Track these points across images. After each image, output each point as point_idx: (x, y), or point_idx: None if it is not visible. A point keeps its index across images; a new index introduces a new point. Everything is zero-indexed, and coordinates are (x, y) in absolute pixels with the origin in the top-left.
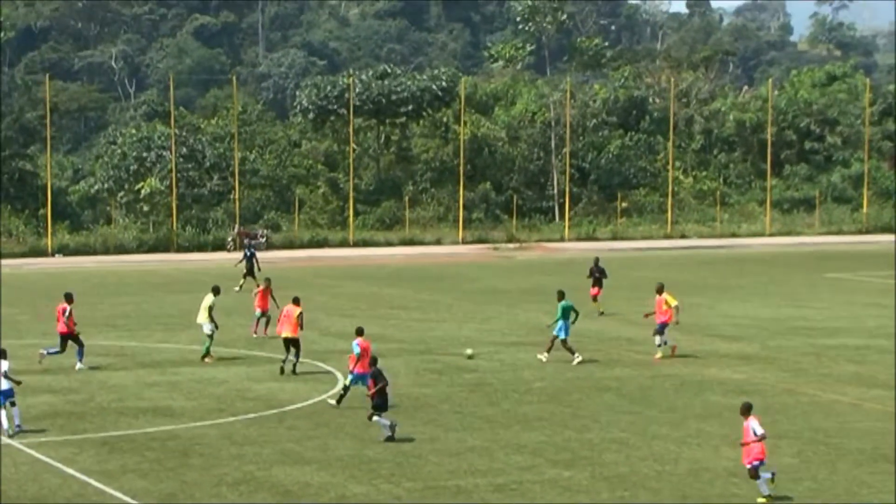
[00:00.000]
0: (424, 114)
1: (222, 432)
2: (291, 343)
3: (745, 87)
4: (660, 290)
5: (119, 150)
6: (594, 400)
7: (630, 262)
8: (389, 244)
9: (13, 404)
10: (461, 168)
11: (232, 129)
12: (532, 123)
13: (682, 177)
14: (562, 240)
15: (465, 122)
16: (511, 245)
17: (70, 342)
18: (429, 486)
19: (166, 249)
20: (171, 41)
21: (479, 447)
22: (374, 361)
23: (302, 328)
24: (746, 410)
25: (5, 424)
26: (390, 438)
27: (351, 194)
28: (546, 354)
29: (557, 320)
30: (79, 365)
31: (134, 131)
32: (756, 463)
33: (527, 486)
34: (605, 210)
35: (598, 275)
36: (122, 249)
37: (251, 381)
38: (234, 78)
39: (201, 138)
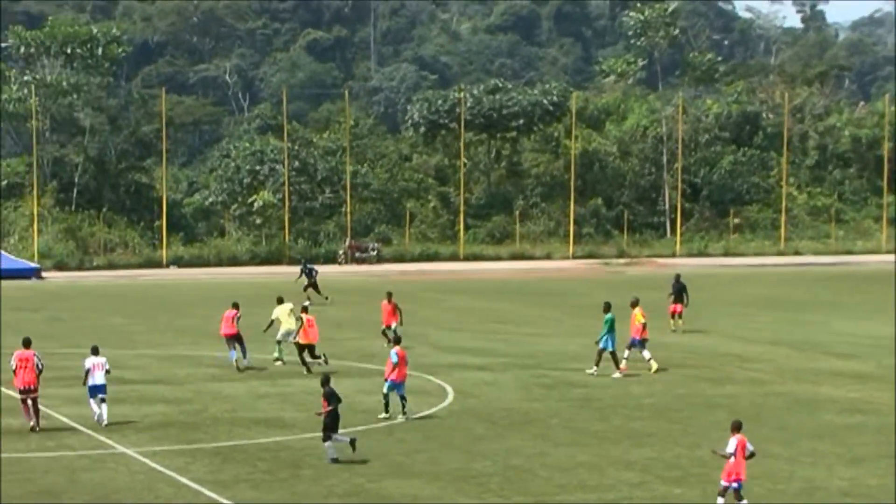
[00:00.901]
0: (535, 128)
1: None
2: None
3: (862, 104)
4: (633, 305)
5: (232, 163)
6: (704, 417)
7: (742, 278)
8: (499, 258)
9: (103, 401)
10: (572, 183)
11: (344, 142)
12: (643, 138)
13: (795, 193)
14: (673, 255)
15: (576, 137)
16: (621, 260)
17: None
18: (538, 500)
19: (278, 262)
20: (285, 55)
21: (588, 463)
22: (325, 381)
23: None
24: (735, 428)
25: (96, 410)
26: (336, 461)
27: (461, 208)
28: (595, 368)
29: (604, 334)
30: (244, 362)
31: (247, 144)
32: (734, 484)
33: (637, 502)
34: (717, 226)
35: (678, 291)
36: (234, 261)
37: (361, 394)
38: (347, 92)
39: (313, 152)
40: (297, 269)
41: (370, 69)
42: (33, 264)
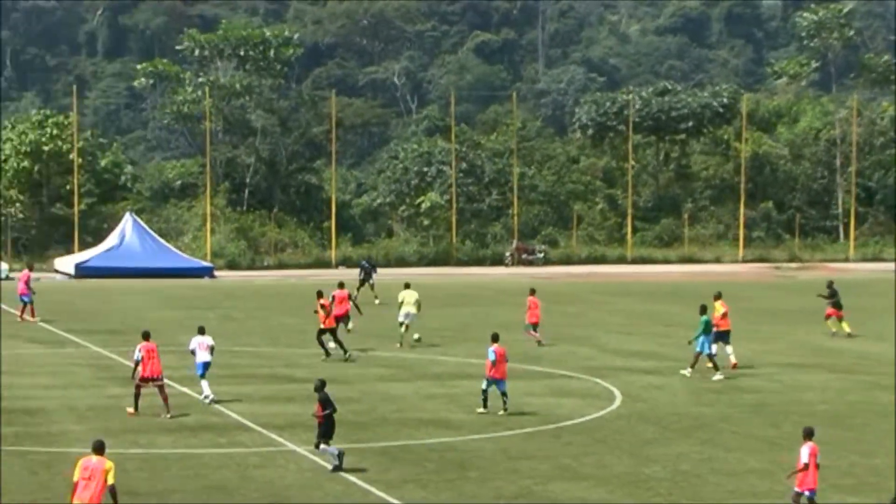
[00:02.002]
0: (705, 131)
1: (499, 446)
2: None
3: None
4: (716, 298)
5: (400, 165)
6: (879, 425)
7: None
8: (667, 261)
9: (202, 376)
10: (742, 186)
11: (511, 144)
12: (816, 141)
13: None
14: (846, 260)
15: (746, 140)
16: (793, 265)
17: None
18: None
19: (445, 263)
20: (453, 58)
21: (759, 469)
22: (320, 386)
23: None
24: (807, 435)
25: (206, 390)
26: (338, 468)
27: (629, 211)
28: (690, 370)
29: (699, 335)
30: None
31: (415, 146)
32: (806, 492)
33: None
34: (892, 230)
35: (831, 297)
36: (402, 262)
37: (528, 396)
38: (514, 94)
39: (481, 154)
40: (462, 270)
41: (538, 71)
42: (206, 263)
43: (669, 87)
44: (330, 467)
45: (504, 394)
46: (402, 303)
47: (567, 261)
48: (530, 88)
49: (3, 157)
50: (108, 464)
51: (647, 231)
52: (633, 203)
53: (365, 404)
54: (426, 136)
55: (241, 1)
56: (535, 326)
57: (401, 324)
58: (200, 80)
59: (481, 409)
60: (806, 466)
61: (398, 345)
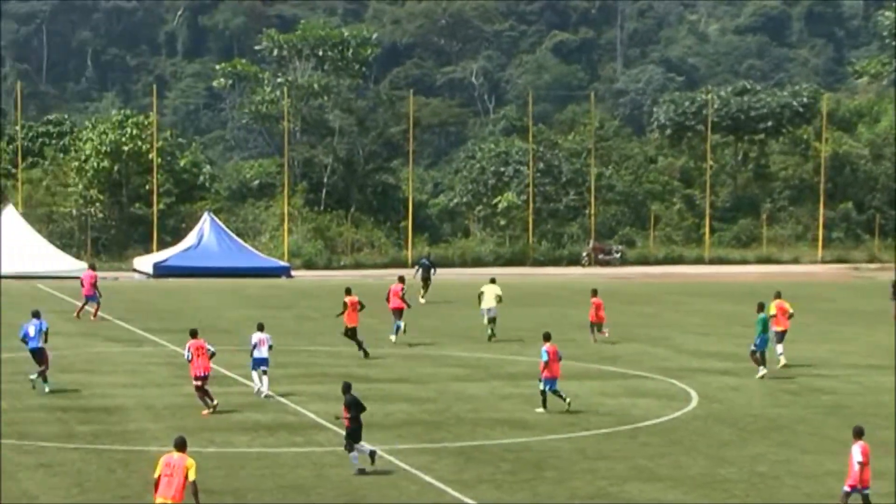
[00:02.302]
0: (784, 130)
1: (575, 446)
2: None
3: None
4: (776, 297)
5: (477, 165)
6: None
7: None
8: (745, 262)
9: (265, 373)
10: (822, 186)
11: (589, 144)
12: None
13: None
14: None
15: (826, 140)
16: (872, 265)
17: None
18: None
19: (522, 263)
20: (531, 57)
21: (836, 471)
22: (346, 388)
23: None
24: (857, 434)
25: (257, 384)
26: (362, 472)
27: (707, 211)
28: (763, 369)
29: (759, 334)
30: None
31: (492, 146)
32: (854, 489)
33: None
34: None
35: None
36: (479, 262)
37: (603, 396)
38: (592, 94)
39: (558, 153)
40: (539, 270)
41: (616, 71)
42: (283, 263)
43: (749, 87)
44: (354, 471)
45: (556, 392)
46: (481, 295)
47: (644, 261)
48: (608, 88)
49: (83, 157)
50: (190, 461)
51: (725, 231)
52: (711, 203)
53: (440, 404)
54: (503, 136)
55: (319, 1)
56: (599, 326)
57: (488, 319)
58: (279, 80)
59: (540, 409)
60: (861, 465)
61: (489, 339)
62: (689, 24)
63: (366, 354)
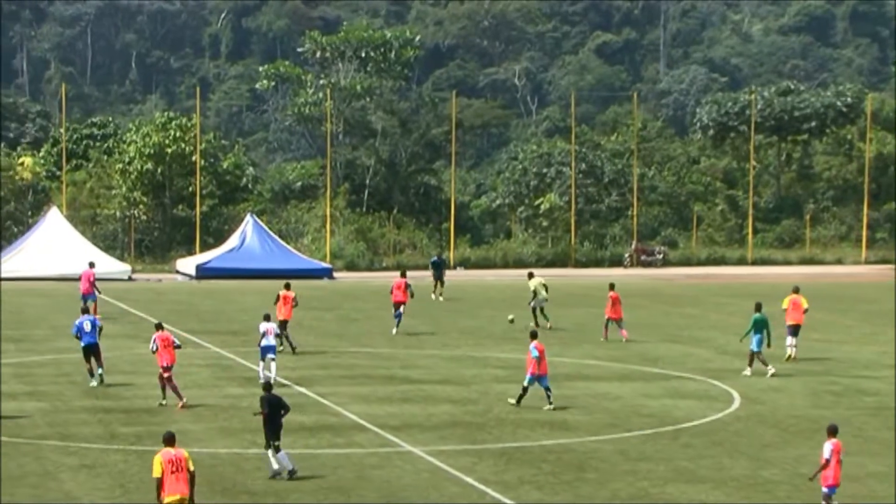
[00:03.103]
0: (828, 131)
1: (617, 448)
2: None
3: None
4: (795, 291)
5: (520, 166)
6: None
7: None
8: (788, 263)
9: (272, 360)
10: (866, 187)
11: (631, 145)
12: None
13: None
14: None
15: (870, 140)
16: None
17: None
18: None
19: (564, 264)
20: (574, 58)
21: (880, 473)
22: (265, 387)
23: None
24: (831, 432)
25: (262, 372)
26: (277, 474)
27: (750, 212)
28: (749, 369)
29: (748, 332)
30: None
31: (535, 147)
32: (825, 489)
33: None
34: None
35: None
36: (520, 263)
37: (646, 398)
38: (635, 94)
39: (601, 154)
40: (581, 271)
41: (659, 71)
42: (326, 264)
43: (792, 87)
44: (276, 467)
45: (547, 388)
46: (534, 291)
47: (686, 262)
48: (651, 89)
49: (127, 160)
50: (186, 452)
51: (768, 232)
52: (754, 204)
53: (482, 405)
54: (546, 137)
55: (362, 2)
56: (619, 323)
57: (537, 310)
58: (322, 81)
59: (512, 401)
60: (827, 463)
61: (549, 326)
62: (733, 25)
63: (292, 348)
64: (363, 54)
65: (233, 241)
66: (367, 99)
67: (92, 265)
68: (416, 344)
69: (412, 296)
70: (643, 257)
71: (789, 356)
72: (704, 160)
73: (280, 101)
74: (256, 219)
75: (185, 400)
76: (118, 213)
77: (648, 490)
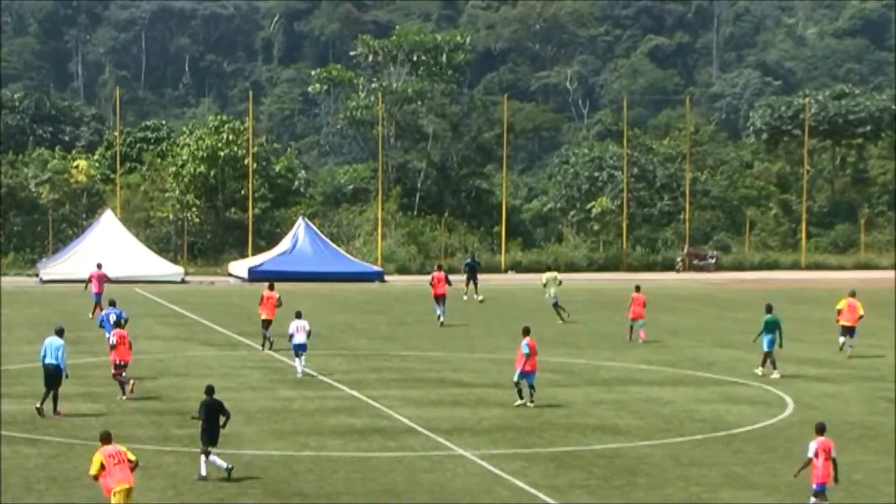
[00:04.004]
0: (883, 135)
1: (668, 452)
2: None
3: None
4: (851, 295)
5: (571, 170)
6: None
7: None
8: (842, 268)
9: (299, 356)
10: None
11: (684, 149)
12: None
13: None
14: None
15: None
16: None
17: None
18: None
19: (615, 268)
20: (626, 62)
21: None
22: (207, 391)
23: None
24: (818, 430)
25: (300, 369)
26: (203, 478)
27: (804, 216)
28: (762, 368)
29: (760, 333)
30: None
31: (586, 151)
32: (814, 485)
33: None
34: None
35: None
36: (572, 267)
37: (698, 403)
38: (688, 98)
39: (652, 158)
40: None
41: (712, 75)
42: (377, 268)
43: (847, 91)
44: (204, 473)
45: (532, 387)
46: (545, 284)
47: (739, 267)
48: (704, 92)
49: (180, 163)
50: (123, 447)
51: (822, 237)
52: (808, 208)
53: (532, 409)
54: (597, 141)
55: (414, 6)
56: (642, 325)
57: (557, 306)
58: (373, 85)
59: (518, 402)
60: (810, 461)
61: (560, 321)
62: (787, 28)
63: (270, 346)
64: (415, 58)
65: (285, 244)
66: (419, 102)
67: (99, 266)
68: (466, 347)
69: (449, 284)
70: (695, 262)
71: (842, 346)
72: (758, 164)
73: (332, 105)
74: (308, 222)
75: (126, 393)
76: (171, 216)
77: (700, 495)
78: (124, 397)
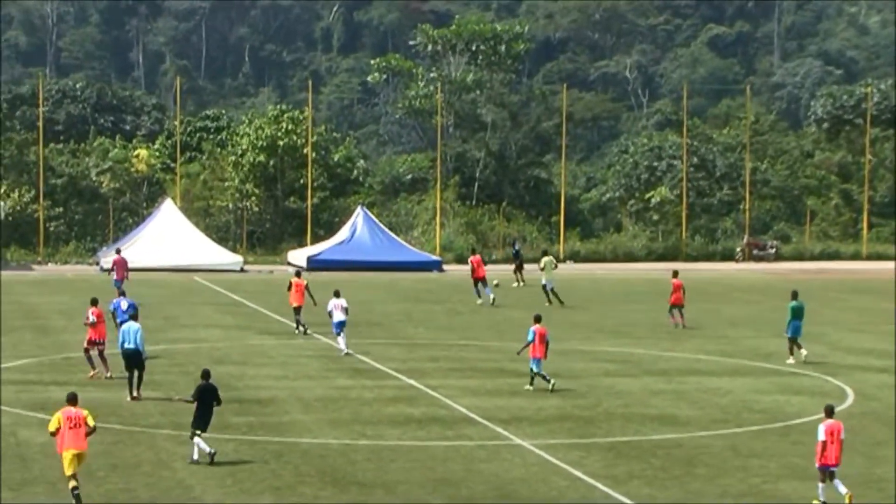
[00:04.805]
0: None
1: (727, 443)
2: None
3: None
4: None
5: (630, 159)
6: None
7: None
8: None
9: (338, 334)
10: None
11: (744, 138)
12: None
13: None
14: None
15: None
16: None
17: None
18: None
19: (674, 258)
20: (686, 51)
21: None
22: (203, 375)
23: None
24: (827, 413)
25: (342, 346)
26: (195, 462)
27: (865, 206)
28: (792, 357)
29: (790, 322)
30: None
31: (645, 140)
32: (818, 466)
33: None
34: None
35: None
36: (630, 257)
37: (757, 393)
38: (748, 87)
39: (712, 148)
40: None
41: (773, 64)
42: (435, 257)
43: None
44: (189, 459)
45: (541, 375)
46: (543, 268)
47: (799, 257)
48: (764, 82)
49: (240, 152)
50: (85, 411)
51: (884, 227)
52: (870, 198)
53: (591, 399)
54: (657, 131)
55: None
56: (680, 309)
57: (543, 287)
58: (432, 75)
59: (527, 387)
60: (823, 444)
61: (547, 303)
62: (849, 17)
63: (304, 332)
64: (474, 47)
65: (343, 233)
66: (478, 92)
67: (118, 251)
68: (524, 337)
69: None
70: (755, 251)
71: None
72: (818, 154)
73: (391, 94)
74: (367, 211)
75: (98, 372)
76: (230, 205)
77: (760, 486)
78: (110, 374)
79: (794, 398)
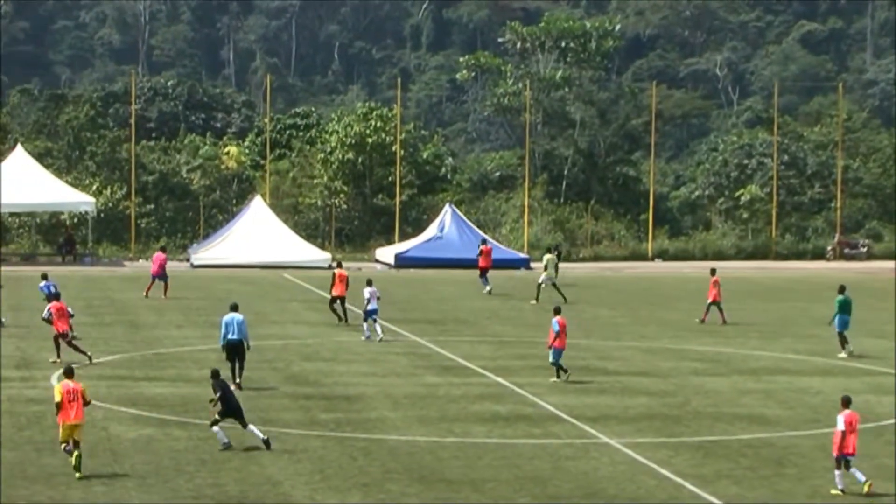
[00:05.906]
0: None
1: (817, 443)
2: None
3: None
4: None
5: (720, 157)
6: None
7: None
8: None
9: (375, 321)
10: None
11: (835, 136)
12: None
13: None
14: None
15: None
16: None
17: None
18: None
19: (764, 257)
20: (777, 48)
21: None
22: (213, 374)
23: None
24: (844, 403)
25: (380, 332)
26: (228, 447)
27: None
28: (844, 353)
29: (835, 315)
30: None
31: (735, 138)
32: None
33: None
34: None
35: None
36: (720, 256)
37: (849, 393)
38: (840, 85)
39: (803, 146)
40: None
41: (866, 61)
42: (523, 255)
43: None
44: (220, 446)
45: (555, 363)
46: (545, 266)
47: (891, 256)
48: (857, 79)
49: (329, 149)
50: (82, 385)
51: None
52: None
53: (679, 398)
54: (747, 128)
55: None
56: (718, 305)
57: (542, 286)
58: (521, 72)
59: (555, 379)
60: (843, 434)
61: (534, 301)
62: None
63: (346, 321)
64: (563, 45)
65: (431, 230)
66: (567, 89)
67: (163, 249)
68: (612, 335)
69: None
70: (846, 250)
71: None
72: None
73: (479, 92)
74: (455, 209)
75: (56, 361)
76: (319, 202)
77: (850, 487)
78: (90, 356)
79: (886, 398)
